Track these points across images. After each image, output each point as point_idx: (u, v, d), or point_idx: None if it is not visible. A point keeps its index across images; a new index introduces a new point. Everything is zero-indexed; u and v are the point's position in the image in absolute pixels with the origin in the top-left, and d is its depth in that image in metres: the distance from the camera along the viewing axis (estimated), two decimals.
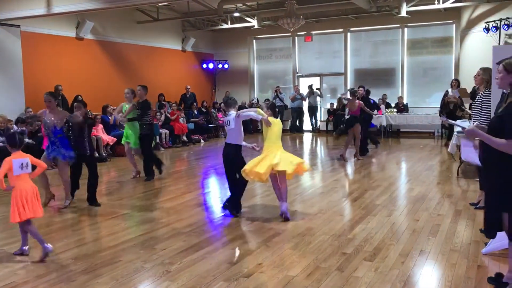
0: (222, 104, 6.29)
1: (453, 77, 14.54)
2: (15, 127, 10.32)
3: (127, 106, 8.98)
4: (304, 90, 17.59)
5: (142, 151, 8.98)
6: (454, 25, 15.67)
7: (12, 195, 4.65)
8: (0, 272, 4.40)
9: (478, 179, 6.77)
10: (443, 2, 13.37)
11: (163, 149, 13.59)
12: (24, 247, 4.83)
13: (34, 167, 4.89)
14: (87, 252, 4.95)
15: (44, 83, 12.10)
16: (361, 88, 11.54)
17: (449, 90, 12.74)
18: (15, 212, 4.60)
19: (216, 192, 8.23)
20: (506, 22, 12.13)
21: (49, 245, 4.70)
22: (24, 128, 10.26)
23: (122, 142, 9.36)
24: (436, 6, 13.67)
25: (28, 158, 4.76)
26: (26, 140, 10.00)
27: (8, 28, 11.15)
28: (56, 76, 12.45)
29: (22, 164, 4.66)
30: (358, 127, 10.70)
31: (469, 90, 10.65)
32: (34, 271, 4.42)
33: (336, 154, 11.68)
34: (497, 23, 12.41)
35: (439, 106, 12.96)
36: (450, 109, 11.86)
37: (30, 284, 4.13)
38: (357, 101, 10.81)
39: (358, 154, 10.98)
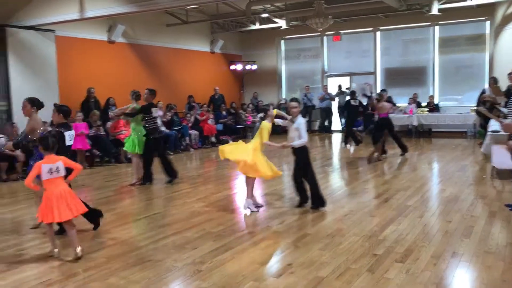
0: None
1: (486, 76, 14.18)
2: (49, 129, 10.60)
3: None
4: (332, 90, 17.47)
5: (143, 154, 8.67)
6: (488, 22, 15.28)
7: (42, 197, 4.77)
8: (38, 269, 4.54)
9: None
10: None
11: (192, 150, 13.73)
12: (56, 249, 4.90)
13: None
14: (119, 251, 5.05)
15: (77, 86, 12.43)
16: (384, 92, 11.35)
17: (486, 88, 12.42)
18: (42, 213, 4.72)
19: (245, 192, 8.25)
20: None
21: (57, 250, 4.83)
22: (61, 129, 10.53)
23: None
24: (468, 3, 13.37)
25: (60, 162, 4.75)
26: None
27: (43, 33, 11.48)
28: (89, 79, 12.76)
29: (51, 169, 4.68)
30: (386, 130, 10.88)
31: (503, 89, 10.38)
32: (69, 270, 4.53)
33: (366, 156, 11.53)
34: None
35: (475, 105, 12.64)
36: (487, 109, 11.55)
37: (65, 281, 4.24)
38: (385, 103, 10.74)
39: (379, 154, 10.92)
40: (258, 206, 6.72)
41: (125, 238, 5.59)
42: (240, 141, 6.94)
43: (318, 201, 6.57)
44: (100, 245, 5.24)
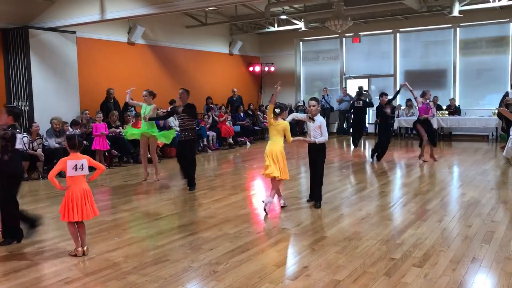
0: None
1: (509, 78, 13.93)
2: (70, 129, 10.78)
3: (147, 107, 8.98)
4: (351, 92, 17.35)
5: (189, 159, 8.46)
6: (510, 23, 15.01)
7: (65, 195, 4.86)
8: (57, 267, 4.61)
9: None
10: (498, 0, 12.84)
11: (210, 151, 13.79)
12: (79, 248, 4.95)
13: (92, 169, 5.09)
14: (136, 250, 5.10)
15: (97, 87, 12.60)
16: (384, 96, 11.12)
17: (509, 91, 12.19)
18: (64, 212, 4.82)
19: (262, 194, 8.26)
20: None
21: (80, 249, 4.88)
22: (77, 131, 10.70)
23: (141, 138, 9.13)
24: (491, 5, 13.15)
25: (85, 160, 4.89)
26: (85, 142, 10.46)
27: (65, 35, 11.66)
28: (109, 80, 12.92)
29: (76, 165, 4.81)
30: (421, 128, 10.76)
31: None
32: (87, 268, 4.59)
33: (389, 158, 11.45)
34: None
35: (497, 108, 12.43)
36: (510, 112, 11.34)
37: (84, 280, 4.29)
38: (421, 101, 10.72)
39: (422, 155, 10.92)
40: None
41: (142, 237, 5.64)
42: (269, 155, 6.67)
43: (319, 198, 6.91)
44: (118, 244, 5.29)
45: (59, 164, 4.83)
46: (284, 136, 6.59)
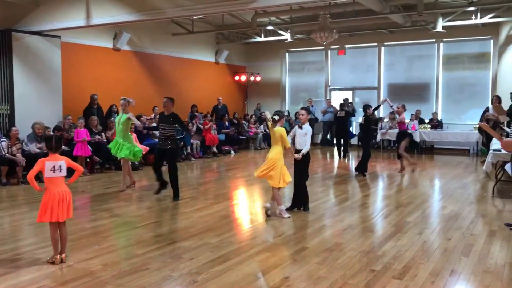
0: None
1: (490, 94, 14.19)
2: (52, 134, 10.64)
3: (122, 116, 8.81)
4: (336, 104, 17.47)
5: (170, 166, 8.33)
6: (491, 40, 15.33)
7: (43, 197, 4.79)
8: (33, 275, 4.52)
9: None
10: (480, 18, 13.12)
11: (194, 159, 13.73)
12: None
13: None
14: (116, 259, 5.03)
15: (81, 92, 12.48)
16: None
17: (490, 106, 12.41)
18: (41, 213, 4.76)
19: (245, 203, 8.24)
20: None
21: (59, 257, 4.79)
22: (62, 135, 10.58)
23: (120, 156, 8.92)
24: (473, 21, 13.42)
25: (63, 161, 4.84)
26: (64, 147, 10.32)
27: (49, 39, 11.54)
28: (93, 85, 12.81)
29: (54, 166, 4.76)
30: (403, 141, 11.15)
31: (506, 108, 10.37)
32: (65, 276, 4.51)
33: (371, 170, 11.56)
34: None
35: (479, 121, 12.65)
36: (490, 127, 11.53)
37: (61, 287, 4.22)
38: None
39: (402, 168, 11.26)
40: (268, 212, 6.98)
41: (122, 245, 5.57)
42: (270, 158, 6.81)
43: (307, 204, 7.23)
44: (97, 252, 5.21)
45: (38, 164, 4.78)
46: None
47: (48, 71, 11.56)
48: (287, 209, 7.01)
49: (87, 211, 7.39)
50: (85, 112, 12.09)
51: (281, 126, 6.83)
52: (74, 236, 5.71)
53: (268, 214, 6.91)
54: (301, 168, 7.09)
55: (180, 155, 12.60)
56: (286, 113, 18.15)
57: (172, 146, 8.12)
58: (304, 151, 6.89)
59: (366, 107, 11.03)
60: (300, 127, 7.02)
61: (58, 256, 4.81)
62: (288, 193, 8.04)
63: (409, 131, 11.77)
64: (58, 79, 11.80)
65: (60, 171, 4.82)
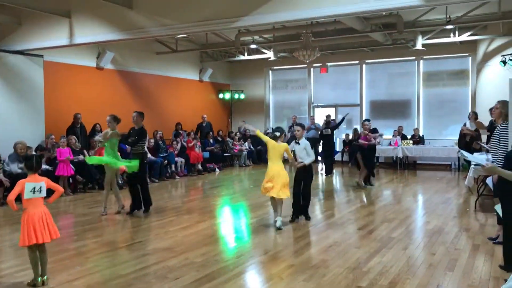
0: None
1: (469, 110, 14.47)
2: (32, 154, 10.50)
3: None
4: (319, 121, 17.60)
5: (139, 181, 8.45)
6: (470, 58, 15.68)
7: (22, 219, 4.70)
8: None
9: (496, 213, 6.64)
10: (458, 36, 13.44)
11: (178, 177, 13.66)
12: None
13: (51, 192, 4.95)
14: (99, 280, 4.95)
15: (64, 112, 12.37)
16: (366, 122, 11.61)
17: (467, 122, 12.65)
18: (24, 236, 4.64)
19: (230, 221, 8.20)
20: None
21: (40, 280, 4.70)
22: (43, 155, 10.43)
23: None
24: (451, 39, 13.73)
25: (43, 182, 4.77)
26: (45, 166, 10.18)
27: (32, 58, 11.47)
28: (76, 104, 12.72)
29: (34, 188, 4.68)
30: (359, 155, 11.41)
31: (486, 123, 10.56)
32: None
33: (351, 183, 11.67)
34: None
35: (458, 138, 12.88)
36: (467, 142, 11.75)
37: None
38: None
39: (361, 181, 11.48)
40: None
41: (106, 266, 5.48)
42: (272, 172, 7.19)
43: (307, 212, 7.76)
44: (81, 273, 5.13)
45: (18, 186, 4.69)
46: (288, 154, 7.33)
47: (30, 90, 11.46)
48: (290, 221, 7.57)
49: (69, 232, 7.27)
50: (68, 131, 11.97)
51: (282, 141, 7.26)
52: (56, 258, 5.61)
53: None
54: (306, 180, 7.62)
55: (148, 174, 12.37)
56: (270, 130, 18.26)
57: (141, 161, 8.27)
58: (308, 162, 7.43)
59: (364, 121, 11.62)
60: (298, 143, 7.47)
61: (39, 279, 4.70)
62: (270, 214, 8.02)
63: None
64: (41, 98, 11.70)
65: (40, 192, 4.74)
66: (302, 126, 7.64)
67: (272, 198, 7.26)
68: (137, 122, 8.45)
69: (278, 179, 7.05)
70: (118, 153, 8.73)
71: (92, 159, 9.14)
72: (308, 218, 7.75)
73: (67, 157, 10.54)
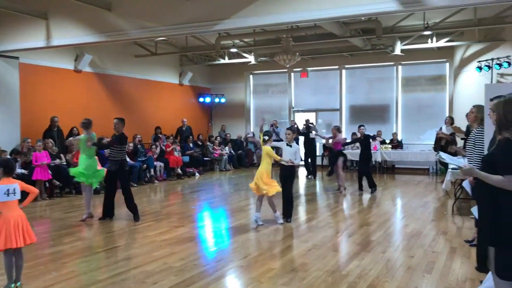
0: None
1: (447, 115, 14.70)
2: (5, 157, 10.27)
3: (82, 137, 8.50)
4: (300, 125, 17.66)
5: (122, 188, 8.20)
6: (447, 63, 15.96)
7: None
8: None
9: (473, 216, 6.74)
10: (436, 42, 13.66)
11: (157, 182, 13.53)
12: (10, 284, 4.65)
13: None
14: (76, 285, 4.85)
15: (40, 115, 12.15)
16: (362, 127, 11.65)
17: (443, 127, 12.86)
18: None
19: (210, 226, 8.15)
20: (497, 62, 12.38)
21: (14, 286, 4.59)
22: (18, 158, 10.22)
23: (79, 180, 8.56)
24: (429, 45, 13.95)
25: (16, 184, 4.66)
26: (19, 170, 9.96)
27: (7, 60, 11.25)
28: (53, 107, 12.50)
29: (8, 190, 4.57)
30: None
31: (463, 128, 10.74)
32: None
33: (332, 188, 11.74)
34: (489, 62, 12.67)
35: (434, 142, 13.10)
36: (442, 146, 11.94)
37: None
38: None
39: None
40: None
41: (83, 271, 5.38)
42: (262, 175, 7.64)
43: (289, 214, 7.99)
44: (58, 279, 5.02)
45: None
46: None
47: (5, 93, 11.23)
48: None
49: (45, 237, 7.12)
50: (45, 135, 11.76)
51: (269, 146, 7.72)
52: (31, 263, 5.48)
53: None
54: (287, 180, 7.93)
55: (130, 178, 12.21)
56: (251, 135, 18.29)
57: (121, 168, 8.12)
58: (297, 162, 7.85)
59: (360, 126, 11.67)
60: (290, 145, 7.88)
61: (13, 286, 4.58)
62: (249, 218, 8.00)
63: (344, 152, 12.30)
64: (16, 101, 11.47)
65: (14, 195, 4.63)
66: (293, 130, 8.20)
67: (261, 196, 7.72)
68: (118, 128, 8.31)
69: (265, 179, 7.55)
70: (96, 158, 8.57)
71: (74, 172, 8.66)
72: (288, 220, 7.88)
73: (42, 162, 10.31)
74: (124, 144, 8.46)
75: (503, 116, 3.39)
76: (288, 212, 7.98)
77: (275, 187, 7.59)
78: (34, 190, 4.94)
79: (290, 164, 7.71)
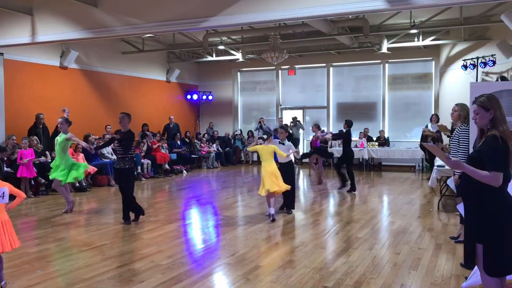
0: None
1: (432, 112, 14.84)
2: None
3: (61, 136, 8.49)
4: (287, 123, 17.70)
5: (123, 189, 7.84)
6: (433, 62, 16.10)
7: None
8: None
9: (458, 213, 6.82)
10: (422, 40, 13.77)
11: (144, 179, 13.46)
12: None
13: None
14: (61, 284, 4.81)
15: (25, 112, 12.00)
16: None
17: (429, 124, 12.98)
18: None
19: (197, 223, 8.13)
20: (482, 60, 12.51)
21: (3, 283, 4.55)
22: (4, 157, 10.08)
23: (52, 177, 8.66)
24: (415, 44, 14.06)
25: (6, 188, 4.55)
26: (5, 168, 9.85)
27: None
28: (38, 104, 12.36)
29: None
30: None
31: (448, 126, 10.84)
32: None
33: (319, 186, 11.80)
34: (474, 61, 12.80)
35: (420, 139, 13.22)
36: (428, 143, 12.03)
37: None
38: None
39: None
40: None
41: (69, 270, 5.33)
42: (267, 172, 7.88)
43: (290, 206, 8.57)
44: (43, 277, 4.97)
45: None
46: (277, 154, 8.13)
47: None
48: (280, 208, 8.55)
49: (31, 235, 7.04)
50: (30, 132, 11.62)
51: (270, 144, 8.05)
52: (16, 262, 5.43)
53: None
54: (287, 176, 8.18)
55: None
56: (238, 132, 18.30)
57: (130, 165, 7.78)
58: (293, 154, 8.50)
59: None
60: (282, 143, 8.34)
61: (2, 283, 4.53)
62: (238, 214, 8.00)
63: (321, 148, 12.79)
64: (1, 97, 11.31)
65: (3, 198, 4.51)
66: (285, 128, 8.63)
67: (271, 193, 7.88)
68: (123, 123, 7.86)
69: (279, 175, 7.89)
70: (70, 156, 8.75)
71: (53, 175, 8.65)
72: (288, 212, 8.51)
73: (28, 159, 10.20)
74: (133, 141, 8.25)
75: (499, 112, 3.41)
76: (289, 204, 8.56)
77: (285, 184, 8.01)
78: (21, 195, 4.80)
79: (296, 155, 8.99)
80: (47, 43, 11.16)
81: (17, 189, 4.83)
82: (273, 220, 7.73)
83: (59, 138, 8.59)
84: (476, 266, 3.82)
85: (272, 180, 7.76)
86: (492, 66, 12.35)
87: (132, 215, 7.86)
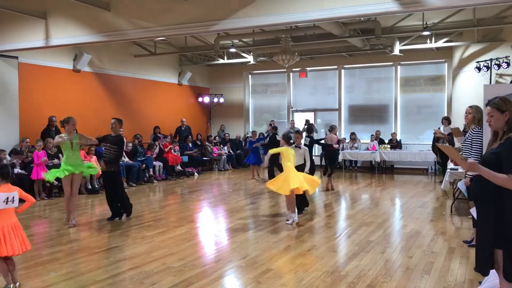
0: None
1: (445, 115, 14.71)
2: (8, 157, 10.27)
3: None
4: (299, 125, 17.65)
5: (116, 192, 8.22)
6: (446, 64, 15.97)
7: None
8: None
9: (471, 217, 6.74)
10: (435, 42, 13.67)
11: (156, 181, 13.53)
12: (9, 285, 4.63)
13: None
14: (74, 286, 4.85)
15: (39, 114, 12.14)
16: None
17: (441, 128, 12.86)
18: None
19: (208, 226, 8.15)
20: (496, 62, 12.39)
21: (12, 286, 4.57)
22: (14, 161, 10.19)
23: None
24: (428, 45, 13.96)
25: (16, 192, 4.59)
26: (17, 170, 9.95)
27: (6, 60, 11.24)
28: (52, 107, 12.49)
29: (7, 198, 4.50)
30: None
31: (460, 128, 10.74)
32: None
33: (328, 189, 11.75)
34: (488, 63, 12.67)
35: (432, 141, 13.10)
36: (440, 144, 11.92)
37: None
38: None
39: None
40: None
41: (82, 272, 5.37)
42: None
43: (304, 206, 8.72)
44: (54, 280, 5.01)
45: None
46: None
47: (4, 93, 11.22)
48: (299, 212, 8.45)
49: (44, 237, 7.12)
50: (43, 135, 11.75)
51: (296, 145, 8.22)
52: (29, 264, 5.48)
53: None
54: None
55: (126, 178, 12.20)
56: (250, 135, 18.30)
57: (115, 169, 8.20)
58: (306, 170, 8.18)
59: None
60: (298, 147, 8.28)
61: (11, 286, 4.57)
62: (247, 219, 7.99)
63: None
64: (15, 101, 11.46)
65: (13, 203, 4.55)
66: (300, 133, 8.74)
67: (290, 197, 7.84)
68: (115, 128, 8.23)
69: (303, 177, 7.80)
70: (81, 158, 8.52)
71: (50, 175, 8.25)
72: (301, 211, 8.62)
73: (43, 159, 10.33)
74: (122, 146, 8.45)
75: None
76: (305, 201, 8.67)
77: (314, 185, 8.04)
78: (31, 199, 4.86)
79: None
80: (61, 47, 11.28)
81: (27, 193, 4.86)
82: (297, 224, 7.74)
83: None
84: (490, 272, 3.77)
85: (298, 178, 7.70)
86: (506, 68, 12.21)
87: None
